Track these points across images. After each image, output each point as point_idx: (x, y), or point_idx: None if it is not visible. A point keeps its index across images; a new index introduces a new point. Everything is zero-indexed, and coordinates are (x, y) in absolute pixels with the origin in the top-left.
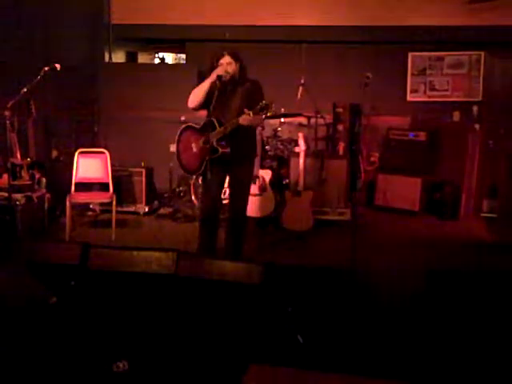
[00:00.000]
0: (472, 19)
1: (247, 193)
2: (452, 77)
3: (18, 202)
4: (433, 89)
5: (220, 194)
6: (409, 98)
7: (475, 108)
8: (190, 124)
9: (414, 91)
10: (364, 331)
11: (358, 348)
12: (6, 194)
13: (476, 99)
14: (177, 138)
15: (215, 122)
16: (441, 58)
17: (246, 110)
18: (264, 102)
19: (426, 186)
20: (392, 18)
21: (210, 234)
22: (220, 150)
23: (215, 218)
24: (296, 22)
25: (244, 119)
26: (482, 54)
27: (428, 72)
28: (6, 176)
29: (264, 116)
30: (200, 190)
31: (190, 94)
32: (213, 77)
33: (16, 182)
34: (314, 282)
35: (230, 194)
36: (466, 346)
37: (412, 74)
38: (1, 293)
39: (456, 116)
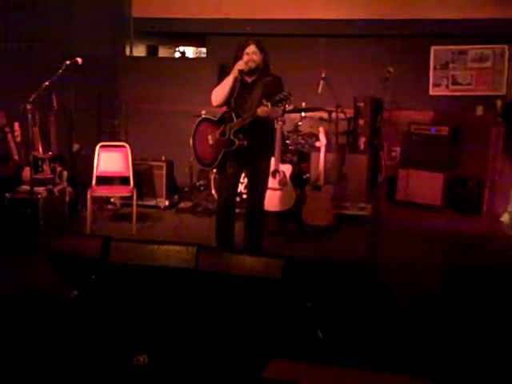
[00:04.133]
0: (495, 12)
1: (265, 187)
2: (475, 71)
3: (39, 196)
4: (456, 83)
5: (236, 188)
6: (431, 92)
7: (499, 102)
8: (206, 116)
9: (436, 85)
10: (383, 327)
11: (377, 343)
12: (27, 188)
13: (500, 93)
14: (193, 130)
15: (233, 114)
16: (464, 52)
17: (264, 102)
18: (283, 93)
19: (449, 182)
20: (414, 12)
21: (227, 228)
22: (237, 142)
23: (231, 211)
24: (316, 16)
25: (262, 111)
26: (506, 47)
27: (451, 66)
28: (27, 169)
29: (283, 108)
30: None
31: (211, 89)
32: (235, 72)
33: (38, 176)
34: (333, 277)
35: (248, 188)
36: (486, 343)
37: (434, 68)
38: (23, 285)
39: (479, 110)
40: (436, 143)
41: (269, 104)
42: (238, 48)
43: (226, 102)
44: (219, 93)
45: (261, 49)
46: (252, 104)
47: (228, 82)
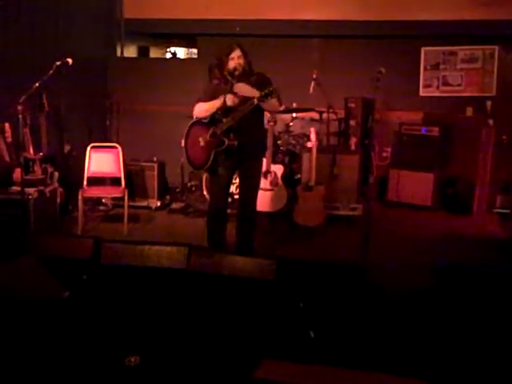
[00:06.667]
0: (485, 13)
1: (257, 187)
2: (465, 71)
3: (30, 197)
4: (446, 84)
5: (228, 189)
6: (422, 93)
7: (489, 103)
8: (197, 119)
9: (426, 86)
10: (375, 327)
11: (369, 344)
12: (18, 189)
13: (490, 94)
14: (185, 133)
15: (222, 114)
16: (454, 53)
17: (253, 99)
18: (270, 88)
19: (439, 182)
20: (405, 13)
21: (218, 229)
22: (226, 141)
23: (223, 212)
24: (308, 17)
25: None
26: (496, 48)
27: (441, 67)
28: (18, 170)
29: (272, 104)
30: None
31: (200, 88)
32: (221, 100)
33: (29, 177)
34: (325, 278)
35: (240, 189)
36: (476, 343)
37: (425, 69)
38: (13, 287)
39: (469, 111)
40: (426, 144)
41: (255, 100)
42: (222, 52)
43: None
44: (202, 110)
45: (244, 51)
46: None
47: (214, 106)
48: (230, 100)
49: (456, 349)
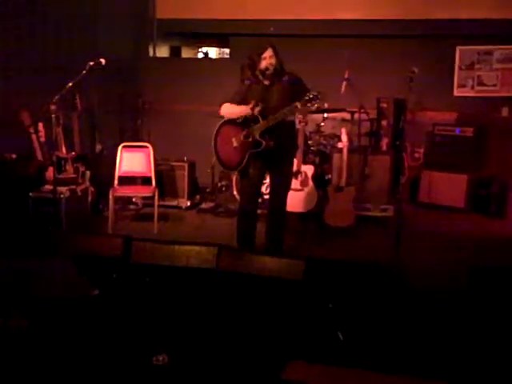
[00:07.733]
0: None
1: (287, 188)
2: (501, 71)
3: (62, 195)
4: (481, 83)
5: (259, 189)
6: (456, 93)
7: None
8: (229, 119)
9: (461, 86)
10: (405, 329)
11: (398, 346)
12: (51, 187)
13: None
14: (214, 133)
15: (258, 115)
16: (489, 52)
17: (297, 103)
18: (312, 92)
19: (473, 183)
20: (439, 12)
21: (248, 229)
22: (264, 143)
23: (253, 212)
24: (340, 16)
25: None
26: None
27: (476, 66)
28: (51, 169)
29: (313, 107)
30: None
31: (234, 90)
32: (249, 110)
33: (61, 176)
34: (355, 279)
35: (271, 189)
36: (508, 346)
37: (459, 69)
38: (44, 284)
39: (505, 111)
40: (460, 144)
41: (298, 104)
42: (254, 52)
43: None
44: (228, 112)
45: (276, 51)
46: (274, 104)
47: (241, 113)
48: (257, 111)
49: (488, 352)
